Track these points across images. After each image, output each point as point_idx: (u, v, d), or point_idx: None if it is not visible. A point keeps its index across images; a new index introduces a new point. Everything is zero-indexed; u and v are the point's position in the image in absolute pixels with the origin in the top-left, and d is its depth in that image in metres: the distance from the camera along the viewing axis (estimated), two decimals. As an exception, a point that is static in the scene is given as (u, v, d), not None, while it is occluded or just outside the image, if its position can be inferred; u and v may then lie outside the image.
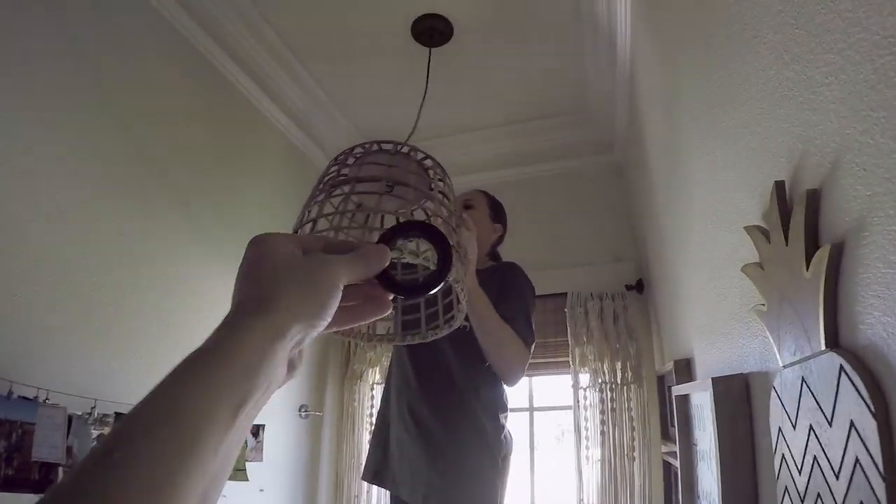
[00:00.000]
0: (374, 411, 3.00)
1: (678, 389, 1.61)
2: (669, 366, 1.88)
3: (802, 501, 0.82)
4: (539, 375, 3.00)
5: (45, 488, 1.55)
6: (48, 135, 1.73)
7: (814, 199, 0.83)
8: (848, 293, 0.74)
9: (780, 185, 0.95)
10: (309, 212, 0.90)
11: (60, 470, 1.61)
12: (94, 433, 1.74)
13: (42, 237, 1.69)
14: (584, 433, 2.57)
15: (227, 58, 2.51)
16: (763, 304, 1.00)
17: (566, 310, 2.76)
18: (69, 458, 1.62)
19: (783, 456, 0.90)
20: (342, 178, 1.04)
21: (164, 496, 0.29)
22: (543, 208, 3.07)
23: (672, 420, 2.03)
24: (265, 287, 0.41)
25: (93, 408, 1.75)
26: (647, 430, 2.50)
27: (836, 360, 0.73)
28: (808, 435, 0.81)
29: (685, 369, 1.73)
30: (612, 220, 3.05)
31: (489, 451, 1.56)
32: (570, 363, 2.67)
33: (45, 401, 1.61)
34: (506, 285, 1.64)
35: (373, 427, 1.79)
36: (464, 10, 2.36)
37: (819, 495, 0.78)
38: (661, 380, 2.16)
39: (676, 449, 1.81)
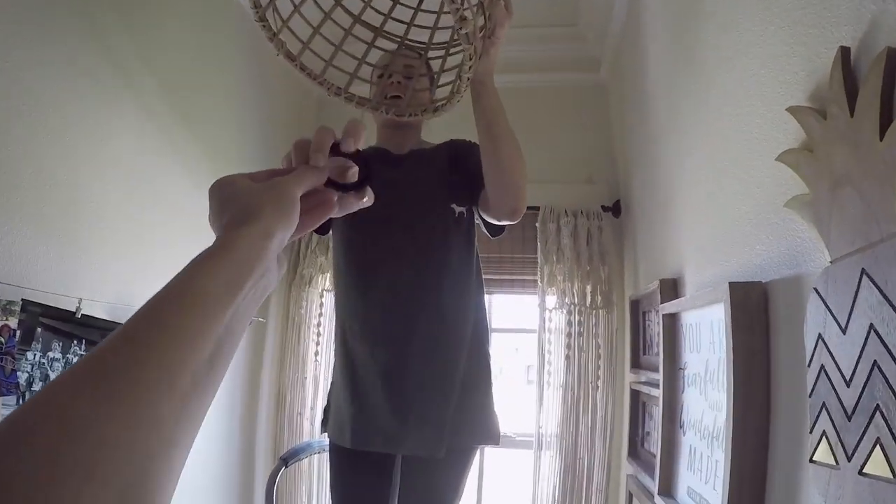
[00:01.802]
0: (323, 320, 2.81)
1: (666, 308, 1.47)
2: (651, 286, 1.75)
3: (850, 418, 0.68)
4: (502, 293, 2.86)
5: None
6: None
7: (893, 59, 0.67)
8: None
9: (845, 51, 0.78)
10: None
11: None
12: None
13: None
14: (546, 357, 2.45)
15: None
16: (807, 194, 0.85)
17: (537, 224, 2.58)
18: None
19: (822, 367, 0.76)
20: None
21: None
22: (522, 120, 2.86)
23: (646, 348, 1.93)
24: (246, 206, 0.51)
25: None
26: (613, 357, 2.40)
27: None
28: (867, 336, 0.67)
29: (671, 290, 1.59)
30: (590, 139, 2.91)
31: (489, 369, 1.42)
32: (538, 281, 2.52)
33: None
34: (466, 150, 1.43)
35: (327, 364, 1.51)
36: None
37: (879, 408, 0.64)
38: (634, 304, 2.03)
39: (652, 375, 1.70)
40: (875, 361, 0.65)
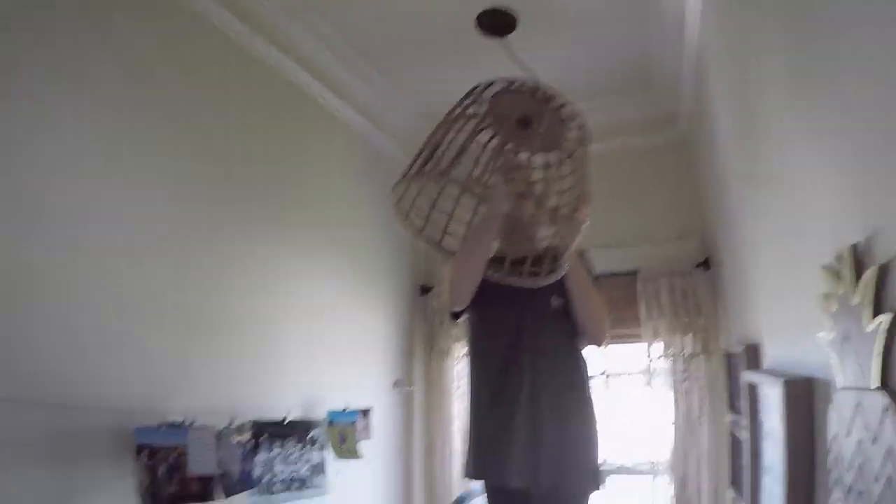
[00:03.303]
0: (460, 383, 3.39)
1: (747, 377, 1.89)
2: (738, 348, 2.15)
3: (849, 493, 1.12)
4: (614, 344, 3.30)
5: (206, 498, 1.88)
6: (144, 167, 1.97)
7: (883, 273, 1.06)
8: (898, 350, 1.00)
9: (854, 249, 1.16)
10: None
11: (215, 479, 1.92)
12: (236, 441, 2.08)
13: (137, 268, 1.93)
14: (656, 399, 2.92)
15: (288, 59, 2.67)
16: (829, 332, 1.26)
17: (638, 286, 3.04)
18: (220, 468, 1.94)
19: (837, 455, 1.18)
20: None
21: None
22: (609, 186, 3.25)
23: (738, 394, 2.32)
24: None
25: (231, 421, 2.09)
26: (714, 399, 2.81)
27: (884, 399, 1.00)
28: (858, 446, 1.09)
29: (754, 355, 1.99)
30: (676, 195, 3.19)
31: (592, 414, 1.84)
32: (644, 335, 2.99)
33: (191, 424, 1.91)
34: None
35: (478, 424, 1.86)
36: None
37: (861, 493, 1.07)
38: (728, 356, 2.43)
39: (741, 420, 2.11)
40: (860, 463, 1.07)
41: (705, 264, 2.98)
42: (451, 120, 1.58)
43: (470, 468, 1.85)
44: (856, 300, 1.12)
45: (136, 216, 1.92)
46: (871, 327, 1.06)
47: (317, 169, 2.92)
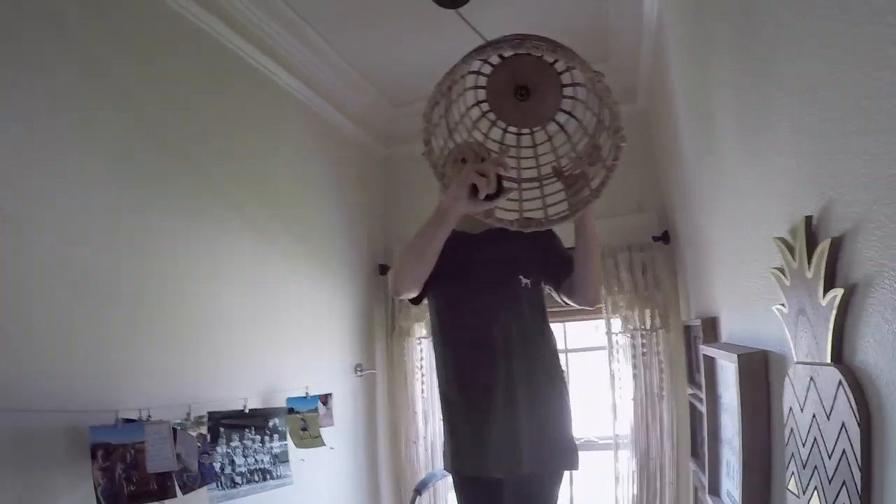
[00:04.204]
0: (423, 364, 3.35)
1: (706, 350, 1.89)
2: (696, 321, 2.15)
3: (804, 467, 1.11)
4: (572, 321, 3.33)
5: (166, 495, 1.83)
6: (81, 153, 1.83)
7: (836, 246, 1.05)
8: (851, 325, 0.98)
9: (808, 220, 1.15)
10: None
11: (174, 475, 1.86)
12: (194, 434, 2.01)
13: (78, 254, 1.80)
14: (617, 374, 2.92)
15: (234, 33, 2.53)
16: (784, 306, 1.25)
17: (597, 261, 3.02)
18: (179, 463, 1.87)
19: (792, 429, 1.18)
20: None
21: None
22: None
23: (697, 367, 2.34)
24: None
25: (188, 413, 2.03)
26: (673, 373, 2.84)
27: (837, 374, 0.99)
28: (812, 420, 1.09)
29: (711, 328, 2.00)
30: (635, 168, 3.15)
31: (566, 392, 1.80)
32: (604, 311, 2.98)
33: (148, 418, 1.84)
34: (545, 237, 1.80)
35: (442, 409, 1.83)
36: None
37: (815, 467, 1.06)
38: (686, 329, 2.44)
39: (700, 394, 2.12)
40: (815, 438, 1.07)
41: (664, 238, 2.99)
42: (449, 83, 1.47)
43: (449, 462, 1.79)
44: (810, 274, 1.10)
45: (77, 201, 1.79)
46: (824, 301, 1.05)
47: (270, 147, 2.80)
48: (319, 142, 3.23)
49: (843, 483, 0.95)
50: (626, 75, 3.19)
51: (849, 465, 0.93)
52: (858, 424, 0.90)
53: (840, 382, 0.97)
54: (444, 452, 1.84)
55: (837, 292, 0.99)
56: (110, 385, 1.83)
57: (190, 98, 2.32)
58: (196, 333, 2.20)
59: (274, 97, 2.87)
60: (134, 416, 1.84)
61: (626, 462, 2.91)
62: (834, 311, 1.00)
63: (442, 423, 1.88)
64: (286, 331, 2.71)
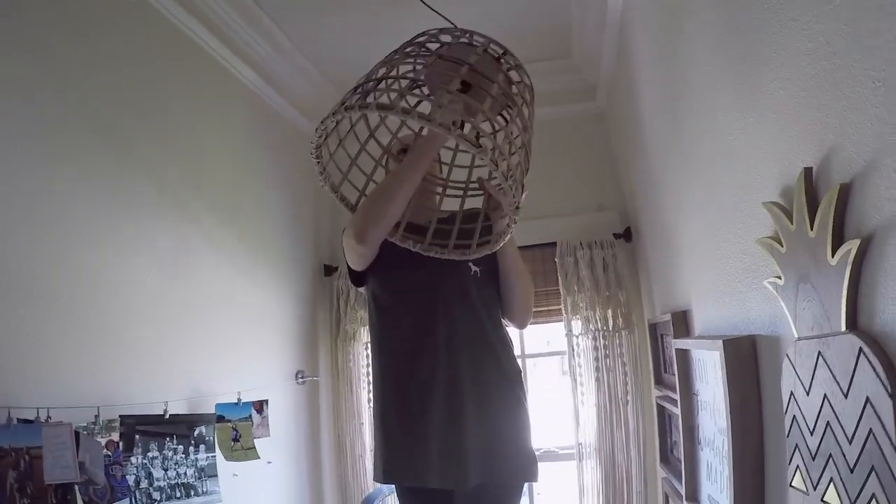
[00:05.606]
0: (370, 371, 3.11)
1: (678, 343, 1.74)
2: (664, 317, 2.01)
3: (814, 459, 0.94)
4: (532, 324, 3.13)
5: None
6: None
7: (845, 194, 0.90)
8: (869, 283, 0.83)
9: (808, 172, 1.01)
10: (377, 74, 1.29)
11: (77, 488, 1.60)
12: (103, 441, 1.74)
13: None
14: (578, 378, 2.74)
15: (184, 11, 2.33)
16: (779, 278, 1.10)
17: (556, 259, 2.88)
18: (83, 474, 1.61)
19: (794, 417, 1.02)
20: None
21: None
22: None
23: (667, 365, 2.19)
24: None
25: (96, 416, 1.74)
26: (639, 375, 2.68)
27: (855, 341, 0.83)
28: (822, 402, 0.92)
29: (682, 322, 1.85)
30: (595, 167, 3.14)
31: (524, 395, 1.60)
32: (563, 311, 2.81)
33: (47, 420, 1.57)
34: None
35: (377, 411, 1.62)
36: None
37: (831, 455, 0.89)
38: (653, 327, 2.30)
39: (672, 394, 1.96)
40: (828, 423, 0.91)
41: (626, 235, 2.87)
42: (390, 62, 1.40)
43: (379, 471, 1.55)
44: (813, 233, 0.95)
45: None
46: (834, 260, 0.89)
47: (208, 129, 2.54)
48: (263, 127, 2.99)
49: (872, 469, 0.79)
50: (589, 73, 3.13)
51: (878, 446, 0.77)
52: (891, 396, 0.74)
53: (861, 350, 0.82)
54: (374, 459, 1.61)
55: (852, 244, 0.85)
56: (1, 379, 1.52)
57: (127, 69, 2.07)
58: (109, 325, 1.88)
59: (216, 76, 2.63)
60: (31, 416, 1.55)
61: (591, 472, 2.72)
62: (848, 268, 0.86)
63: (373, 427, 1.66)
64: (216, 329, 2.42)
